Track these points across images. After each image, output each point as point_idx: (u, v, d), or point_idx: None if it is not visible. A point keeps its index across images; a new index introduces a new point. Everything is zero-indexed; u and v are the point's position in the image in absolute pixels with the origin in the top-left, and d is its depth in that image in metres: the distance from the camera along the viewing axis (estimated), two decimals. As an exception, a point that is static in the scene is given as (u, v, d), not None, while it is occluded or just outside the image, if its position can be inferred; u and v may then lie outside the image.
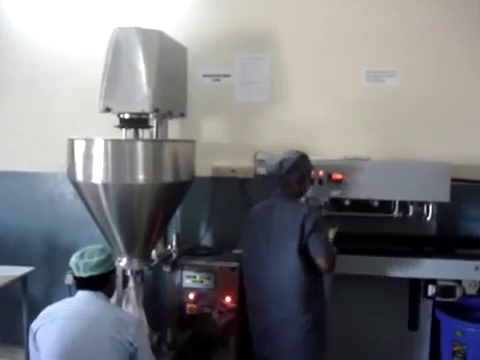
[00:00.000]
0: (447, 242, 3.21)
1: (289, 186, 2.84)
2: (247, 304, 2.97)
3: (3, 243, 4.00)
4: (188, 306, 3.38)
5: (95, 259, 2.36)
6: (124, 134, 3.08)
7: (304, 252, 2.70)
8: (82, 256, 2.37)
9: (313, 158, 3.45)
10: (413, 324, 3.31)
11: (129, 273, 3.13)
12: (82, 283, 2.39)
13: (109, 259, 2.43)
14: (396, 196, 3.20)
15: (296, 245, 2.70)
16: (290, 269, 2.73)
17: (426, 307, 3.33)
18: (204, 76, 3.77)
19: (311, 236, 2.69)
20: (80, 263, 2.36)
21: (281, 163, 2.83)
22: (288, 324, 2.77)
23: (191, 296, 3.38)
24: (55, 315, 2.36)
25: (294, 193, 2.87)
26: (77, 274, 2.38)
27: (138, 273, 3.16)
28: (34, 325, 2.39)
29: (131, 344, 2.29)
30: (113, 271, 2.50)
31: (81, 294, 2.40)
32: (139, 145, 2.89)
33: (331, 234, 3.18)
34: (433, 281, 3.10)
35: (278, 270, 2.76)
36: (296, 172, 2.82)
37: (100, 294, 2.40)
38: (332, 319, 3.34)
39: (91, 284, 2.37)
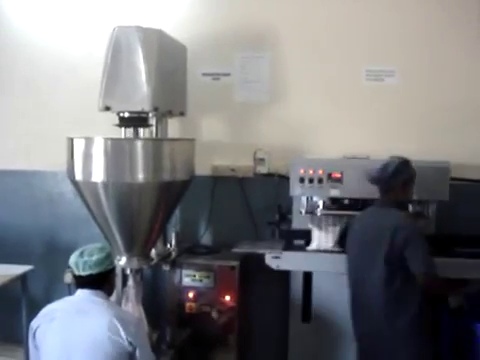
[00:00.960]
0: (446, 241, 3.21)
1: (393, 191, 2.75)
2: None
3: (2, 242, 3.99)
4: (187, 305, 3.39)
5: (94, 258, 2.36)
6: (124, 133, 3.08)
7: (393, 264, 2.63)
8: (81, 255, 2.37)
9: (312, 157, 3.49)
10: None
11: (128, 272, 3.14)
12: (81, 282, 2.39)
13: (108, 258, 2.43)
14: (395, 195, 3.20)
15: (383, 256, 2.63)
16: (376, 280, 2.67)
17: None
18: (204, 75, 3.77)
19: (406, 250, 2.59)
20: (79, 262, 2.36)
21: (385, 167, 2.75)
22: (375, 336, 2.72)
23: (190, 295, 3.38)
24: (55, 314, 2.37)
25: (398, 199, 2.77)
26: (76, 273, 2.38)
27: (137, 272, 3.16)
28: (34, 324, 2.39)
29: (130, 343, 2.29)
30: (112, 270, 2.49)
31: (81, 293, 2.40)
32: (139, 144, 2.89)
33: (337, 232, 3.21)
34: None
35: (367, 280, 2.72)
36: (400, 176, 2.74)
37: (100, 293, 2.39)
38: (333, 318, 3.36)
39: (90, 283, 2.37)
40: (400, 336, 2.65)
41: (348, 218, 3.25)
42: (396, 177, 2.74)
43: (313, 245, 3.25)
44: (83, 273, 2.36)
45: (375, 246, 2.68)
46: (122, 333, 2.28)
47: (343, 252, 3.13)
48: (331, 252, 3.19)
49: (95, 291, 2.38)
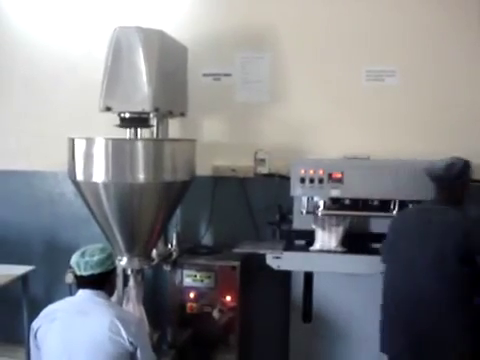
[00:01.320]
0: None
1: (454, 191, 2.79)
2: (386, 312, 2.83)
3: (3, 242, 3.99)
4: (188, 305, 3.39)
5: (96, 258, 2.37)
6: (126, 133, 3.08)
7: (460, 262, 2.58)
8: (83, 255, 2.38)
9: (313, 157, 3.49)
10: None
11: (130, 272, 3.14)
12: (83, 282, 2.39)
13: (110, 258, 2.43)
14: (396, 195, 3.20)
15: (454, 253, 2.58)
16: (443, 276, 2.62)
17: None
18: (204, 75, 3.77)
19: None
20: (81, 262, 2.36)
21: (450, 167, 2.77)
22: (436, 331, 2.63)
23: (191, 295, 3.39)
24: (56, 314, 2.37)
25: (456, 199, 2.80)
26: (78, 273, 2.38)
27: (138, 272, 3.16)
28: (35, 324, 2.40)
29: (131, 343, 2.30)
30: (114, 270, 2.50)
31: (82, 293, 2.40)
32: (139, 144, 2.90)
33: (340, 232, 3.21)
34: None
35: (426, 278, 2.65)
36: (463, 177, 2.79)
37: (101, 293, 2.40)
38: (333, 318, 3.37)
39: (92, 283, 2.37)
40: (462, 334, 2.61)
41: (351, 218, 3.26)
42: (460, 178, 2.78)
43: (316, 245, 3.26)
44: (84, 273, 2.36)
45: (439, 244, 2.63)
46: (123, 333, 2.28)
47: (346, 252, 3.15)
48: (334, 252, 3.20)
49: (96, 291, 2.39)
